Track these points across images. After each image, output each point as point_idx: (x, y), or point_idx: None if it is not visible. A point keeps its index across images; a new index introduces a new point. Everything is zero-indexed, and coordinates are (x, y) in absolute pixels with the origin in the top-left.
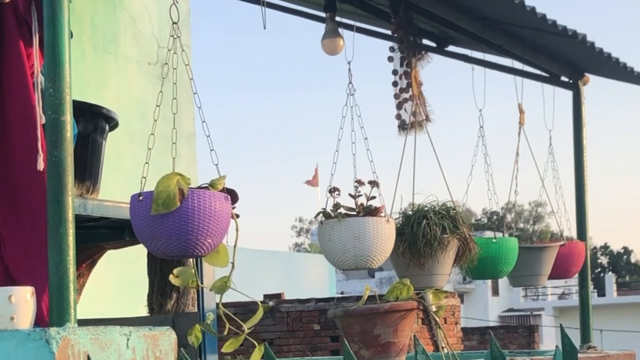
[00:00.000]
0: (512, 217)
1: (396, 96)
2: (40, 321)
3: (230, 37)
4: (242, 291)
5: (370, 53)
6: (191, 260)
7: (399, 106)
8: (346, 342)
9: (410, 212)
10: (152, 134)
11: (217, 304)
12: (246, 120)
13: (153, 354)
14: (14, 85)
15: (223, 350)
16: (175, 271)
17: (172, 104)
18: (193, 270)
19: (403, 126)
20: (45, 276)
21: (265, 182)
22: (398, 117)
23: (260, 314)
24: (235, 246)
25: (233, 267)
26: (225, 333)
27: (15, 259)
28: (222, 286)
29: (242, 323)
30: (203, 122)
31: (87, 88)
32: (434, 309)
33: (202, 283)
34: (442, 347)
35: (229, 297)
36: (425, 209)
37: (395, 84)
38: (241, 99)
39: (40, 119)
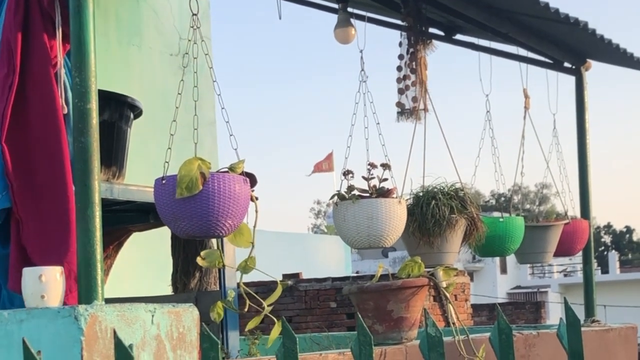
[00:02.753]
0: (519, 199)
1: (398, 80)
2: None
3: (250, 29)
4: (262, 271)
5: (381, 42)
6: (214, 241)
7: (401, 92)
8: (360, 317)
9: (420, 194)
10: (174, 121)
11: (238, 283)
12: (267, 109)
13: (177, 329)
14: (37, 75)
15: (247, 328)
16: (202, 253)
17: (193, 92)
18: (219, 252)
19: (403, 111)
20: (59, 259)
21: (285, 167)
22: (399, 104)
23: (279, 291)
24: (255, 227)
25: (253, 247)
26: (246, 310)
27: (31, 240)
28: (246, 266)
29: (262, 301)
30: (222, 108)
31: (113, 78)
32: (444, 285)
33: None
34: (453, 324)
35: (250, 276)
36: (435, 190)
37: (399, 68)
38: (261, 88)
39: (63, 109)
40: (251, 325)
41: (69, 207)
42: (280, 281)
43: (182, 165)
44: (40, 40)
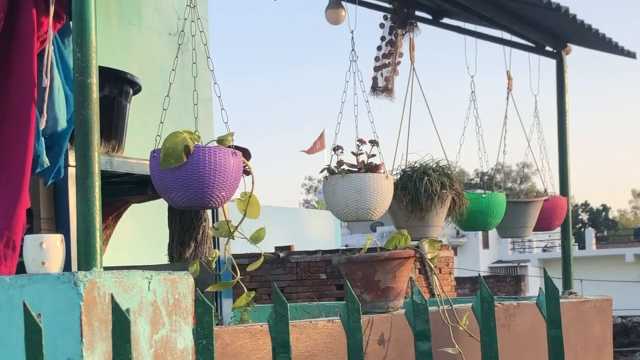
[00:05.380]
0: (501, 177)
1: (376, 59)
2: None
3: (246, 11)
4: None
5: (372, 23)
6: (209, 212)
7: (377, 69)
8: (349, 285)
9: (409, 170)
10: (167, 96)
11: (225, 251)
12: (262, 87)
13: (172, 295)
14: (21, 47)
15: (234, 306)
16: (215, 224)
17: (192, 69)
18: (228, 223)
19: (375, 88)
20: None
21: (278, 144)
22: (374, 79)
23: (260, 261)
24: (249, 197)
25: (244, 216)
26: (226, 270)
27: None
28: (258, 237)
29: (237, 269)
30: (215, 83)
31: (113, 56)
32: (429, 257)
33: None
34: (438, 295)
35: (245, 248)
36: (425, 166)
37: (379, 48)
38: (255, 69)
39: (43, 82)
40: (214, 288)
41: (23, 178)
42: (265, 253)
43: (167, 138)
44: (29, 15)
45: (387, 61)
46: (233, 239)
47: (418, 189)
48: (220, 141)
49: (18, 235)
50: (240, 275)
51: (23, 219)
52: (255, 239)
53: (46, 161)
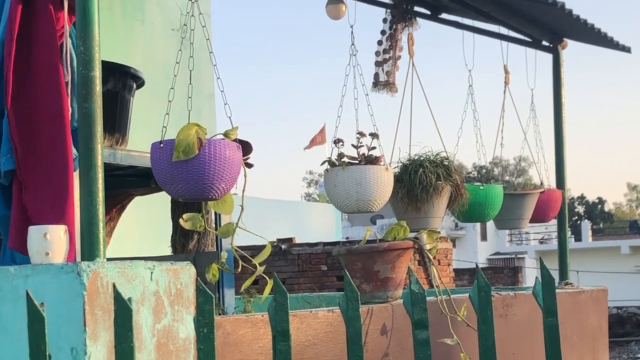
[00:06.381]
0: (499, 170)
1: (377, 54)
2: None
3: (243, 9)
4: (252, 232)
5: (372, 18)
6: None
7: (378, 64)
8: (348, 275)
9: (407, 162)
10: (172, 88)
11: (231, 246)
12: (264, 83)
13: (174, 285)
14: (41, 44)
15: (242, 288)
16: (185, 216)
17: (189, 63)
18: (200, 216)
19: (377, 83)
20: (55, 221)
21: (280, 138)
22: (375, 74)
23: (267, 250)
24: (243, 191)
25: (242, 210)
26: (239, 271)
27: (32, 203)
28: (227, 231)
29: (254, 261)
30: (218, 78)
31: (117, 51)
32: (428, 248)
33: (220, 226)
34: (436, 286)
35: (246, 240)
36: (422, 158)
37: (380, 42)
38: (258, 64)
39: (65, 76)
40: (246, 285)
41: (67, 173)
42: (270, 242)
43: (180, 130)
44: (46, 11)
45: (387, 56)
46: (206, 230)
47: (413, 180)
48: (226, 135)
49: (72, 228)
50: (245, 267)
51: (72, 212)
52: (224, 232)
53: (74, 152)
